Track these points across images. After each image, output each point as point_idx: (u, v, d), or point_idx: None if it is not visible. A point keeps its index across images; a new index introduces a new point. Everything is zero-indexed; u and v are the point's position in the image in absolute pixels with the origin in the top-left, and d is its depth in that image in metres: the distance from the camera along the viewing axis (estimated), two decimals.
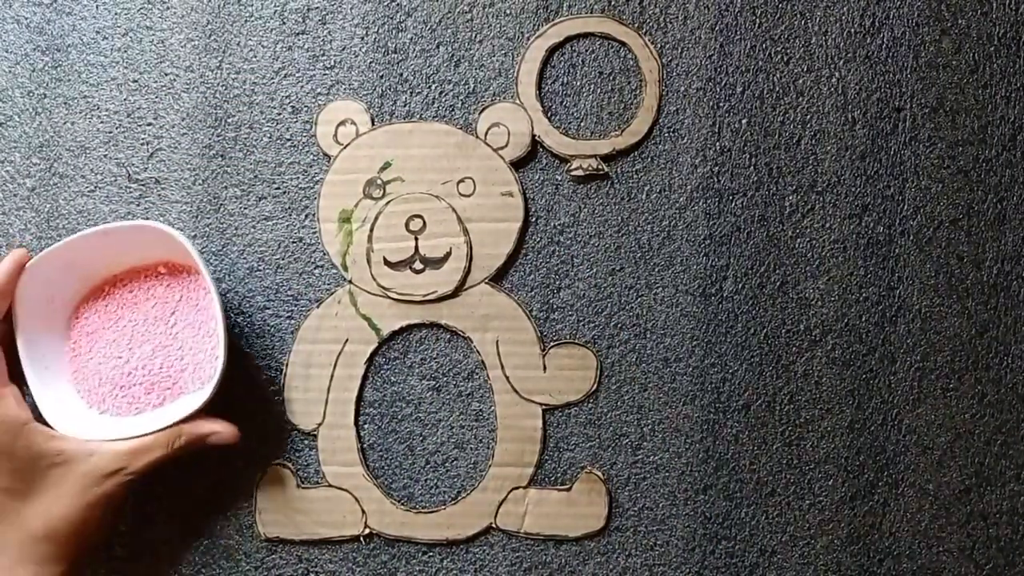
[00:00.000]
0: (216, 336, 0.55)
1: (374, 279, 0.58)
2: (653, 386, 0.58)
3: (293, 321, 0.59)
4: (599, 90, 0.59)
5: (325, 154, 0.59)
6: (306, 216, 0.59)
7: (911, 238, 0.58)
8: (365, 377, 0.59)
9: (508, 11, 0.60)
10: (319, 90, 0.60)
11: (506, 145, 0.59)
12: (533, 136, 0.59)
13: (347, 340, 0.59)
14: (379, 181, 0.59)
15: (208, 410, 0.54)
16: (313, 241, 0.59)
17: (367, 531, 0.58)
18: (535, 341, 0.58)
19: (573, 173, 0.59)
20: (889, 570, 0.57)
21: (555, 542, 0.58)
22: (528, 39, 0.59)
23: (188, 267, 0.57)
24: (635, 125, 0.59)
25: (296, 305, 0.59)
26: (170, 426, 0.54)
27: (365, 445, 0.59)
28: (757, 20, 0.59)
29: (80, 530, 0.51)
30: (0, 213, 0.60)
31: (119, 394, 0.56)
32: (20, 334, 0.54)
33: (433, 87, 0.60)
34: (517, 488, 0.58)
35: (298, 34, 0.60)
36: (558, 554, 0.58)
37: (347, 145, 0.59)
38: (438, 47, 0.60)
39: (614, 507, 0.58)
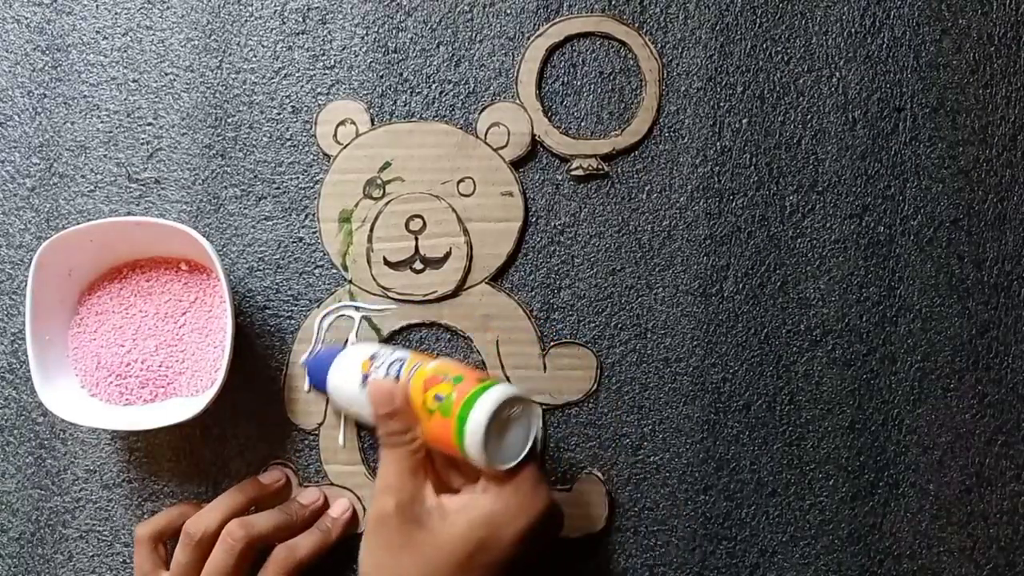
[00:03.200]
0: (222, 348, 0.55)
1: (374, 279, 0.58)
2: (653, 386, 0.58)
3: (293, 321, 0.59)
4: (599, 90, 0.59)
5: (325, 154, 0.59)
6: (306, 216, 0.59)
7: (911, 238, 0.58)
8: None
9: (508, 11, 0.60)
10: (319, 90, 0.60)
11: (506, 145, 0.59)
12: (533, 136, 0.59)
13: (347, 340, 0.59)
14: (379, 181, 0.59)
15: (203, 413, 0.54)
16: (313, 241, 0.59)
17: None
18: (535, 341, 0.58)
19: (573, 173, 0.59)
20: (889, 570, 0.57)
21: (555, 542, 0.58)
22: (528, 39, 0.59)
23: (209, 270, 0.57)
24: (635, 125, 0.59)
25: (296, 305, 0.59)
26: (173, 418, 0.54)
27: (366, 444, 0.59)
28: (757, 20, 0.59)
29: None
30: (0, 213, 0.60)
31: (113, 382, 0.56)
32: (31, 302, 0.54)
33: (433, 87, 0.60)
34: None
35: (298, 34, 0.60)
36: (558, 554, 0.58)
37: (347, 145, 0.59)
38: (438, 47, 0.60)
39: (614, 507, 0.58)
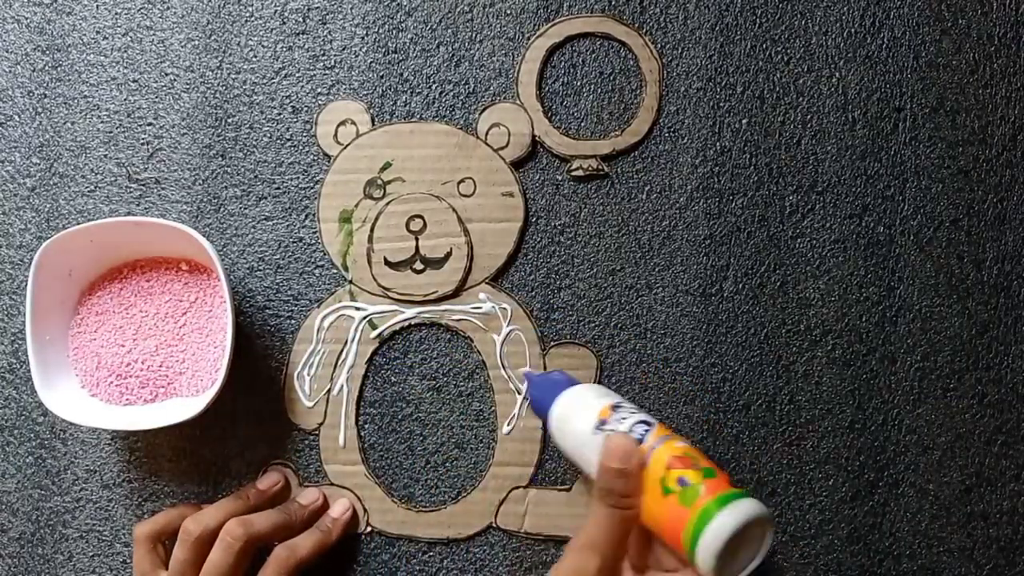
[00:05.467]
0: (223, 347, 0.55)
1: (374, 279, 0.58)
2: (653, 386, 0.58)
3: (293, 321, 0.59)
4: (599, 90, 0.59)
5: (325, 154, 0.59)
6: (306, 216, 0.59)
7: (911, 238, 0.58)
8: (365, 377, 0.59)
9: (508, 11, 0.60)
10: (319, 90, 0.60)
11: (506, 145, 0.59)
12: (533, 136, 0.59)
13: (347, 340, 0.59)
14: (379, 181, 0.59)
15: (203, 413, 0.54)
16: (313, 241, 0.59)
17: (368, 529, 0.58)
18: (535, 341, 0.58)
19: (573, 173, 0.59)
20: (889, 570, 0.57)
21: (555, 542, 0.58)
22: (528, 39, 0.59)
23: (209, 270, 0.57)
24: (635, 125, 0.59)
25: (296, 305, 0.59)
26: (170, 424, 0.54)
27: (366, 444, 0.59)
28: (757, 20, 0.59)
29: None
30: (0, 213, 0.60)
31: (114, 382, 0.56)
32: (31, 302, 0.54)
33: (433, 87, 0.60)
34: (517, 488, 0.58)
35: (298, 34, 0.60)
36: (558, 554, 0.58)
37: (347, 145, 0.59)
38: (438, 47, 0.60)
39: None
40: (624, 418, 0.50)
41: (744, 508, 0.45)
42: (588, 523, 0.48)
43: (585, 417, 0.51)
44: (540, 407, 0.55)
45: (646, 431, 0.49)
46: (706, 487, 0.45)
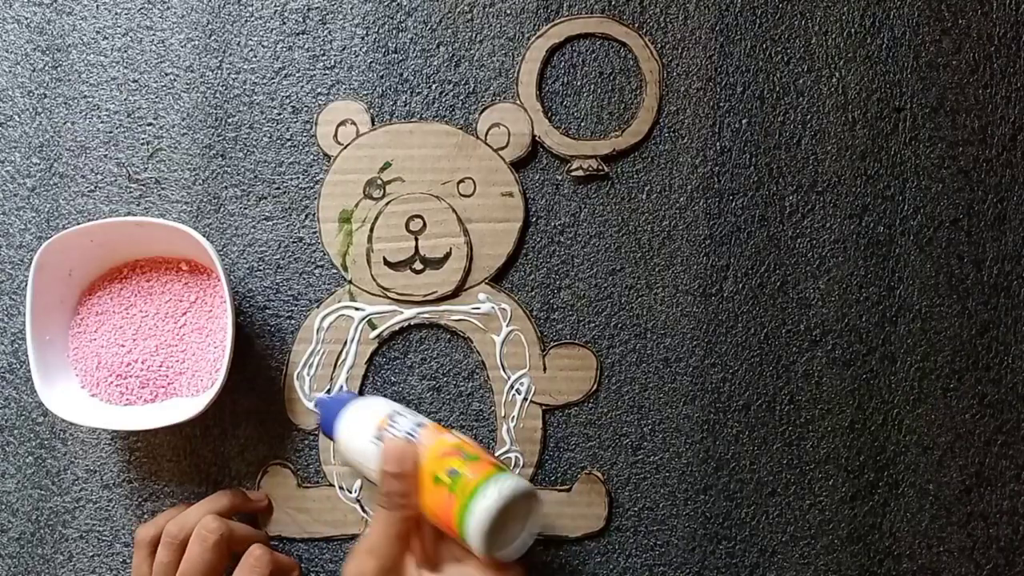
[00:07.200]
0: (223, 347, 0.55)
1: (374, 279, 0.58)
2: (653, 386, 0.58)
3: (293, 321, 0.59)
4: (599, 90, 0.59)
5: (325, 154, 0.59)
6: (306, 216, 0.59)
7: (911, 238, 0.58)
8: (365, 377, 0.59)
9: (508, 11, 0.60)
10: (319, 90, 0.60)
11: (506, 145, 0.59)
12: (533, 136, 0.59)
13: (347, 340, 0.59)
14: (379, 181, 0.59)
15: (203, 413, 0.54)
16: (313, 241, 0.59)
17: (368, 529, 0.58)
18: (535, 341, 0.58)
19: (573, 173, 0.59)
20: (889, 570, 0.57)
21: (555, 542, 0.58)
22: (528, 39, 0.59)
23: (209, 270, 0.57)
24: (635, 125, 0.59)
25: (296, 305, 0.59)
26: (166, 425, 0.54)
27: None
28: (757, 20, 0.59)
29: None
30: (0, 213, 0.60)
31: (114, 382, 0.56)
32: (31, 302, 0.54)
33: (433, 87, 0.60)
34: None
35: (298, 34, 0.60)
36: (558, 554, 0.58)
37: (347, 145, 0.59)
38: (438, 47, 0.60)
39: (614, 507, 0.58)
40: (398, 426, 0.51)
41: (503, 485, 0.47)
42: (370, 528, 0.49)
43: (364, 431, 0.52)
44: (327, 429, 0.55)
45: (420, 432, 0.51)
46: (470, 472, 0.48)
